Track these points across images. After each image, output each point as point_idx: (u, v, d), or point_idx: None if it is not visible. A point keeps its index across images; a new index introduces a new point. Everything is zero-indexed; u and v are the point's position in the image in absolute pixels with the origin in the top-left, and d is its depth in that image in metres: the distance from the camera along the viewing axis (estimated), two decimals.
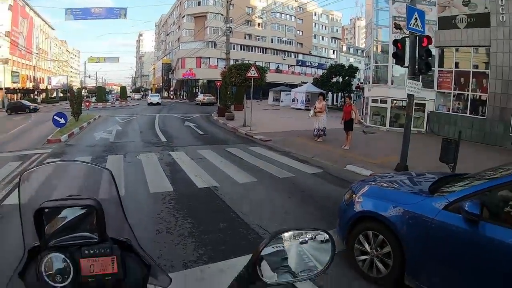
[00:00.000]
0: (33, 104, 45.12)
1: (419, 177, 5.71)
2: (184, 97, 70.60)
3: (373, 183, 5.37)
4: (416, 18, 10.07)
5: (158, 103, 50.94)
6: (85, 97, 38.61)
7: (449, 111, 20.57)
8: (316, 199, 8.04)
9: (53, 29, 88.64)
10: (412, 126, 11.50)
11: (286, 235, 1.25)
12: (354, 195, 5.08)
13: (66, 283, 1.17)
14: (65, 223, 1.22)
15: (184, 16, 72.42)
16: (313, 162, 11.88)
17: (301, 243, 1.24)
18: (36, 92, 69.98)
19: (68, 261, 1.19)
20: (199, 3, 68.97)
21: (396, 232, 4.23)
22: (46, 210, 1.19)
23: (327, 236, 1.28)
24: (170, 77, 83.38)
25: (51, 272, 1.18)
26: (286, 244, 1.24)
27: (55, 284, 1.17)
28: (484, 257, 3.49)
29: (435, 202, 3.95)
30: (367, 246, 4.60)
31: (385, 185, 5.29)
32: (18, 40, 59.51)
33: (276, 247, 1.22)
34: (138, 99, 73.96)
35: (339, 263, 4.78)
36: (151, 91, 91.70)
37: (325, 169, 10.92)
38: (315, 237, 1.27)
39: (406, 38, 10.47)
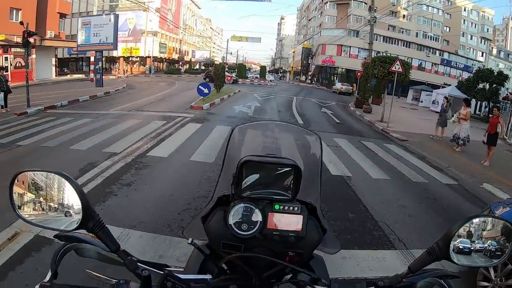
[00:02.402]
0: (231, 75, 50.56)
1: None
2: (322, 83, 70.44)
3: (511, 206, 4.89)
4: None
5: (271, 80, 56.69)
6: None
7: None
8: (448, 211, 7.81)
9: (199, 8, 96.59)
10: None
11: (474, 221, 1.23)
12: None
13: (252, 232, 1.30)
14: (263, 178, 1.34)
15: (327, 2, 71.97)
16: (449, 172, 11.46)
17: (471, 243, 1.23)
18: (180, 63, 77.05)
19: (258, 212, 1.31)
20: None
21: None
22: (250, 163, 1.32)
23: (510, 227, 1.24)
24: (309, 62, 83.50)
25: (239, 220, 1.30)
26: (466, 231, 1.22)
27: (241, 231, 1.30)
28: None
29: None
30: (492, 273, 4.30)
31: None
32: (166, 15, 65.77)
33: (461, 232, 1.21)
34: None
35: (459, 284, 4.54)
36: (289, 73, 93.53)
37: (460, 182, 10.48)
38: (497, 230, 1.25)
39: None
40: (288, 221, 1.34)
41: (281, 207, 1.35)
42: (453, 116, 16.66)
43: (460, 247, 1.23)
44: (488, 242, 1.26)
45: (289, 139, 1.80)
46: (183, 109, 18.04)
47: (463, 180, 10.76)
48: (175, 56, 75.89)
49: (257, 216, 1.32)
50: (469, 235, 1.24)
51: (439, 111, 17.96)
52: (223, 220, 1.33)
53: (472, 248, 1.24)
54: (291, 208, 1.35)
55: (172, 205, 6.10)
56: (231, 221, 1.31)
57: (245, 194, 1.33)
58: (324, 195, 5.60)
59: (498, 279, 4.23)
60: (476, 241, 1.25)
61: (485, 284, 4.40)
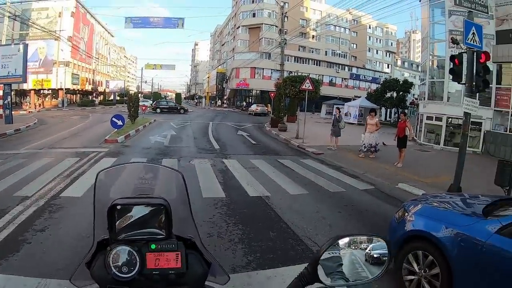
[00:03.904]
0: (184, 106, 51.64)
1: (472, 199, 5.60)
2: (238, 106, 71.01)
3: (425, 202, 5.25)
4: (473, 33, 9.75)
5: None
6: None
7: (506, 131, 19.53)
8: (366, 215, 8.03)
9: (112, 36, 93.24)
10: (467, 146, 11.20)
11: (344, 240, 1.34)
12: (406, 213, 5.00)
13: (131, 274, 1.29)
14: (135, 219, 1.33)
15: (239, 27, 73.47)
16: (364, 178, 11.81)
17: (355, 250, 1.34)
18: (94, 94, 74.10)
19: (135, 254, 1.30)
20: (254, 15, 69.49)
21: (446, 253, 4.12)
22: (118, 206, 1.31)
23: (384, 243, 1.36)
24: (224, 86, 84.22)
25: (118, 263, 1.30)
26: (342, 251, 1.32)
27: (121, 274, 1.29)
28: None
29: (488, 225, 3.88)
30: (415, 266, 4.49)
31: (438, 205, 5.17)
32: (79, 45, 62.65)
33: (333, 252, 1.29)
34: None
35: (385, 281, 4.77)
36: (205, 99, 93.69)
37: (376, 186, 10.84)
38: (371, 246, 1.36)
39: (463, 54, 10.20)
40: (166, 259, 1.34)
41: (158, 246, 1.35)
42: (345, 126, 18.43)
43: (330, 268, 1.28)
44: (362, 259, 1.34)
45: (156, 178, 1.69)
46: (97, 143, 17.17)
47: (379, 184, 11.15)
48: (89, 87, 72.44)
49: (135, 258, 1.31)
50: (338, 255, 1.31)
51: (332, 121, 18.51)
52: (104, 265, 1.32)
53: (342, 268, 1.30)
54: (167, 246, 1.35)
55: (90, 248, 5.53)
56: (111, 264, 1.30)
57: (121, 237, 1.33)
58: (243, 217, 5.47)
59: (422, 271, 4.40)
60: (348, 260, 1.32)
61: (411, 277, 4.56)
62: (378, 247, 1.34)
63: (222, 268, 1.50)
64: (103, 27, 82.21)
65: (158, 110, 45.03)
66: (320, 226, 7.06)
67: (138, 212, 1.33)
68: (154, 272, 1.32)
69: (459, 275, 3.99)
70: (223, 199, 8.60)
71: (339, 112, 18.98)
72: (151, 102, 58.12)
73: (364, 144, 16.03)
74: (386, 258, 1.33)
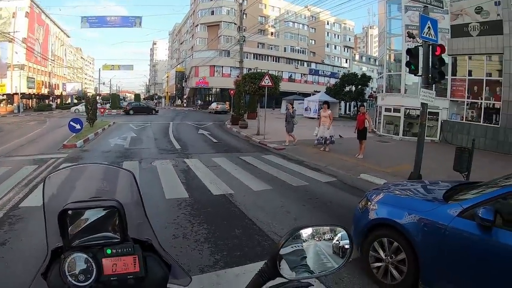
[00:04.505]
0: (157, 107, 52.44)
1: (432, 185, 5.71)
2: (198, 106, 70.35)
3: (387, 191, 5.35)
4: (429, 27, 10.03)
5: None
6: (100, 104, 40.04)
7: (462, 119, 20.18)
8: (330, 207, 8.06)
9: (68, 37, 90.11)
10: (425, 135, 11.46)
11: (304, 232, 1.27)
12: (369, 203, 5.07)
13: (89, 282, 1.23)
14: (88, 224, 1.27)
15: (197, 25, 73.06)
16: (327, 171, 11.89)
17: (319, 241, 1.29)
18: (51, 98, 71.19)
19: (91, 260, 1.24)
20: (212, 12, 69.35)
21: (410, 239, 4.23)
22: (70, 211, 1.25)
23: (345, 232, 1.31)
24: (183, 85, 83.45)
25: (74, 271, 1.23)
26: (305, 243, 1.27)
27: (78, 283, 1.22)
28: (497, 263, 3.52)
29: (450, 209, 3.98)
30: (382, 253, 4.58)
31: (399, 193, 5.26)
32: (34, 46, 60.34)
33: (295, 246, 1.24)
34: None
35: (353, 270, 4.84)
36: (165, 99, 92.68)
37: (339, 178, 10.93)
38: (333, 237, 1.31)
39: (419, 47, 10.44)
40: (124, 264, 1.29)
41: (113, 250, 1.29)
42: (297, 121, 18.64)
43: (294, 262, 1.24)
44: (328, 250, 1.29)
45: (108, 179, 1.65)
46: (55, 149, 16.54)
47: (341, 176, 11.25)
48: (45, 91, 69.62)
49: (91, 265, 1.25)
50: (301, 248, 1.26)
51: (286, 117, 18.53)
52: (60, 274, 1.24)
53: (306, 261, 1.25)
54: (124, 249, 1.29)
55: (44, 257, 5.30)
56: (67, 273, 1.23)
57: (75, 243, 1.26)
58: (208, 216, 5.38)
59: (389, 257, 4.51)
60: (312, 252, 1.27)
61: (378, 264, 4.65)
62: (343, 237, 1.30)
63: (183, 269, 1.46)
64: (58, 27, 79.48)
65: (132, 112, 44.48)
66: (286, 220, 7.04)
67: (90, 216, 1.27)
68: (112, 278, 1.26)
69: (425, 258, 4.09)
70: (186, 199, 8.46)
71: (292, 107, 19.03)
72: (110, 104, 56.86)
73: (319, 137, 16.16)
74: (349, 247, 1.29)
